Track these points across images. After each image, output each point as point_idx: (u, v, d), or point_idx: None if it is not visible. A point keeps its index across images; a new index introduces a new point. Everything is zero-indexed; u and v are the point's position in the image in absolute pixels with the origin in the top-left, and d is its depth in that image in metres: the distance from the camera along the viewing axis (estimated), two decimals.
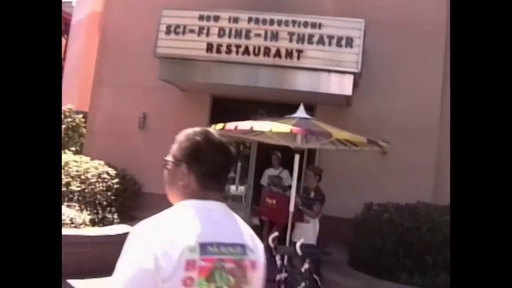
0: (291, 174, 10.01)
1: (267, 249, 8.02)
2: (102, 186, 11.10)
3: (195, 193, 2.44)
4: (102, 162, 11.86)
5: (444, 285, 8.64)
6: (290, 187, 11.78)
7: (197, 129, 2.57)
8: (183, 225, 2.29)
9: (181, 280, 2.20)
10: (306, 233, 9.13)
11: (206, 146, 2.50)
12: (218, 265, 2.30)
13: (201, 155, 2.48)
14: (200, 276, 2.25)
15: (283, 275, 7.69)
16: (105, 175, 11.38)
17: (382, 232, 9.46)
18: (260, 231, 9.64)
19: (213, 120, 11.12)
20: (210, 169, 2.48)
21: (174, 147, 2.53)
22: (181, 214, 2.36)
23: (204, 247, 2.27)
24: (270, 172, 12.31)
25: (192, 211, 2.36)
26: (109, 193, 11.12)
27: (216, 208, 2.45)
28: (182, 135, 2.55)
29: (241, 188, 14.29)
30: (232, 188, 14.56)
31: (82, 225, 9.95)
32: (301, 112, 9.20)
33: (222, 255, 2.32)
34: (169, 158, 2.51)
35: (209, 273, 2.27)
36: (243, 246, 2.42)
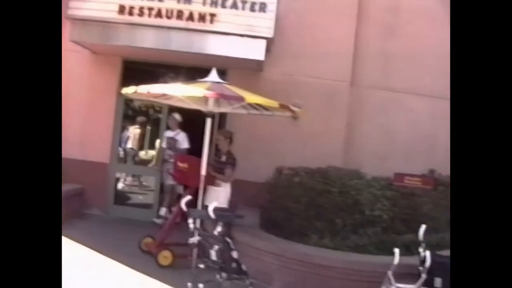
0: (196, 137, 9.99)
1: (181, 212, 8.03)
2: None
3: None
4: None
5: (353, 246, 8.93)
6: (186, 150, 11.81)
7: None
8: None
9: None
10: (218, 196, 9.18)
11: None
12: None
13: None
14: None
15: (196, 238, 7.71)
16: None
17: (293, 196, 9.63)
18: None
19: (125, 84, 10.90)
20: None
21: None
22: None
23: None
24: (168, 134, 12.30)
25: None
26: None
27: None
28: None
29: (151, 152, 14.20)
30: (142, 152, 14.46)
31: None
32: (213, 76, 9.17)
33: None
34: None
35: None
36: None
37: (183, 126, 12.23)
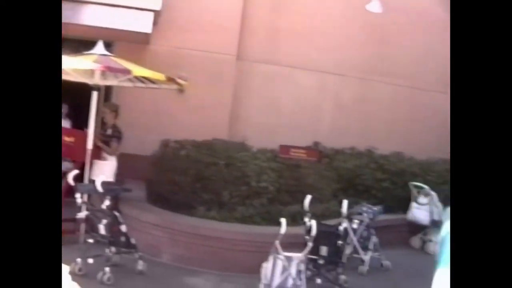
0: (82, 111, 9.79)
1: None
2: None
3: None
4: None
5: (240, 218, 9.10)
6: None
7: None
8: None
9: None
10: (105, 170, 9.08)
11: None
12: None
13: None
14: None
15: (84, 213, 7.64)
16: None
17: (180, 169, 9.67)
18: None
19: None
20: None
21: None
22: None
23: None
24: None
25: None
26: None
27: None
28: None
29: None
30: None
31: None
32: (100, 49, 9.00)
33: None
34: None
35: None
36: None
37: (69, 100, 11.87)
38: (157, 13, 11.13)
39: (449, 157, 12.60)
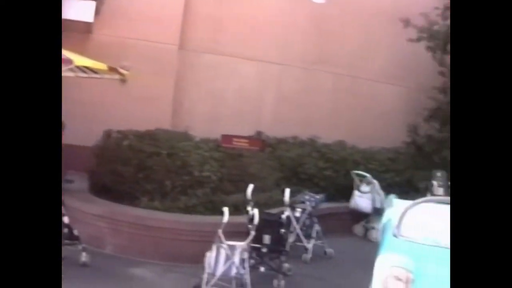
0: None
1: None
2: None
3: None
4: None
5: (183, 207, 9.12)
6: None
7: None
8: None
9: None
10: None
11: None
12: None
13: None
14: None
15: None
16: None
17: (122, 159, 9.61)
18: None
19: None
20: None
21: None
22: None
23: None
24: None
25: None
26: None
27: None
28: None
29: None
30: None
31: None
32: None
33: None
34: None
35: None
36: None
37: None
38: (99, 2, 10.98)
39: (390, 146, 12.79)
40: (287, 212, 8.21)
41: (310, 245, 9.17)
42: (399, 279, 5.08)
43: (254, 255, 7.64)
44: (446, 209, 7.23)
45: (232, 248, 7.00)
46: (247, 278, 7.07)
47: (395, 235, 5.66)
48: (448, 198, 10.20)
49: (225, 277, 7.02)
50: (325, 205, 10.07)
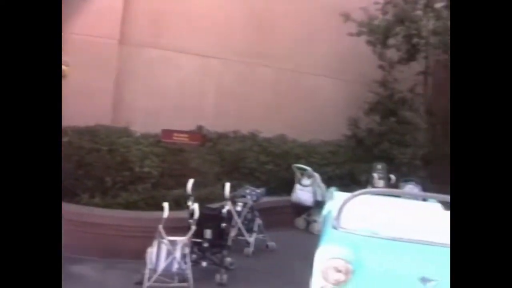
0: None
1: None
2: None
3: None
4: None
5: (123, 203, 9.06)
6: None
7: None
8: None
9: None
10: None
11: None
12: None
13: None
14: None
15: None
16: None
17: (62, 155, 9.46)
18: None
19: None
20: None
21: None
22: None
23: None
24: None
25: None
26: None
27: None
28: None
29: None
30: None
31: None
32: None
33: None
34: None
35: None
36: None
37: None
38: None
39: (331, 139, 12.92)
40: (228, 207, 8.24)
41: (252, 239, 9.24)
42: (339, 271, 5.18)
43: (195, 250, 7.66)
44: (385, 200, 7.42)
45: (173, 243, 7.01)
46: (189, 273, 7.09)
47: (334, 227, 5.75)
48: (386, 190, 10.44)
49: (167, 272, 7.03)
50: (266, 199, 10.14)
